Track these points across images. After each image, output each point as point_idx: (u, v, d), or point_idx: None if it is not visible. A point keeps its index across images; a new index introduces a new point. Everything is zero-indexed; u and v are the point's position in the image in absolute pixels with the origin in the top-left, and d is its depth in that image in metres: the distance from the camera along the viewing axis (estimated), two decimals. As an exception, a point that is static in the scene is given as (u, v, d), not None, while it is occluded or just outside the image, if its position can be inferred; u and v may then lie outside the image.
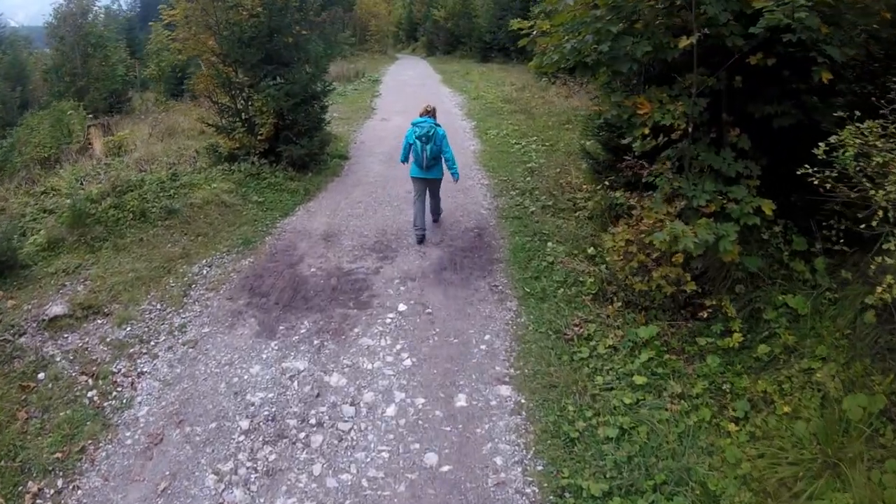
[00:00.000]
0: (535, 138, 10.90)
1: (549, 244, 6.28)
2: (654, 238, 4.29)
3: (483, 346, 4.68)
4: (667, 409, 3.98)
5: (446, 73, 24.09)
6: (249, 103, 8.84)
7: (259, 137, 8.69)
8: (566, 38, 4.78)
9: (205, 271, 6.17)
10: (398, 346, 4.70)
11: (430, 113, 6.35)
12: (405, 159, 6.47)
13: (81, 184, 8.71)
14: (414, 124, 6.21)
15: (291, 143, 8.72)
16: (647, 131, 4.51)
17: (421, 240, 6.43)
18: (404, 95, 17.70)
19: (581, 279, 5.44)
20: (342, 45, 30.49)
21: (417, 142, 6.09)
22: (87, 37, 17.93)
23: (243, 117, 8.97)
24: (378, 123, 13.52)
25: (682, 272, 4.56)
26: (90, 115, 16.65)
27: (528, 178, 8.48)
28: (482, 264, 5.99)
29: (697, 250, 4.21)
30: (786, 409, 3.78)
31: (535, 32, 5.40)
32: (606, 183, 6.88)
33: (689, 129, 4.45)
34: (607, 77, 6.86)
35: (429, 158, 6.13)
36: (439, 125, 6.31)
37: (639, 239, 4.86)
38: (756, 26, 3.90)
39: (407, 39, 45.32)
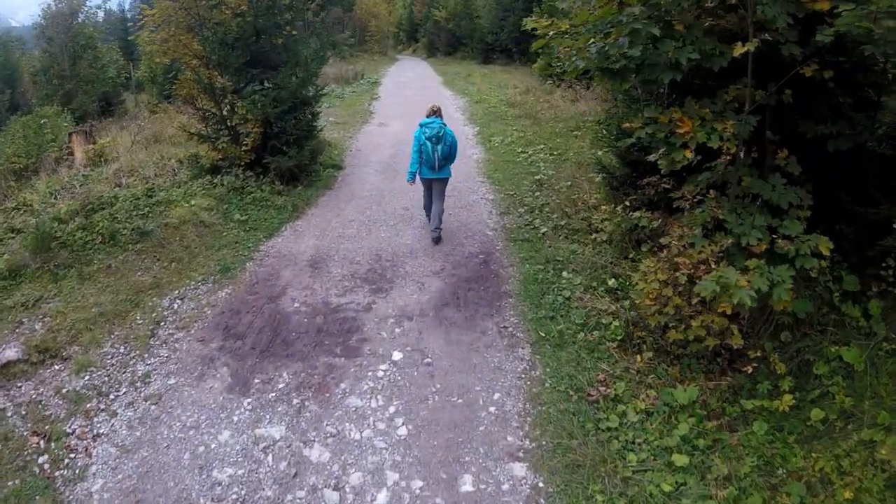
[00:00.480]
0: (542, 146, 10.12)
1: (565, 274, 5.52)
2: (701, 289, 3.52)
3: (492, 409, 3.91)
4: (712, 497, 3.23)
5: (447, 74, 23.29)
6: (233, 110, 8.07)
7: (244, 148, 7.93)
8: (592, 40, 4.01)
9: (176, 305, 5.42)
10: (391, 409, 3.93)
11: (437, 113, 6.18)
12: (415, 170, 6.21)
13: (55, 198, 7.98)
14: (423, 125, 6.06)
15: (279, 154, 7.95)
16: (689, 155, 3.73)
17: (437, 240, 6.39)
18: (404, 98, 16.92)
19: (603, 321, 4.67)
20: (342, 46, 29.72)
21: (428, 143, 5.96)
22: (76, 38, 17.14)
23: (228, 125, 8.20)
24: (376, 129, 12.75)
25: (727, 322, 3.80)
26: (78, 120, 15.93)
27: (537, 193, 7.71)
28: (489, 299, 5.22)
29: (753, 303, 3.45)
30: (846, 494, 3.12)
31: (551, 34, 4.64)
32: (627, 203, 6.12)
33: (741, 153, 3.68)
34: (628, 86, 6.10)
35: (440, 159, 6.00)
36: (446, 125, 6.14)
37: (673, 278, 4.09)
38: (823, 32, 3.15)
39: (407, 40, 44.47)
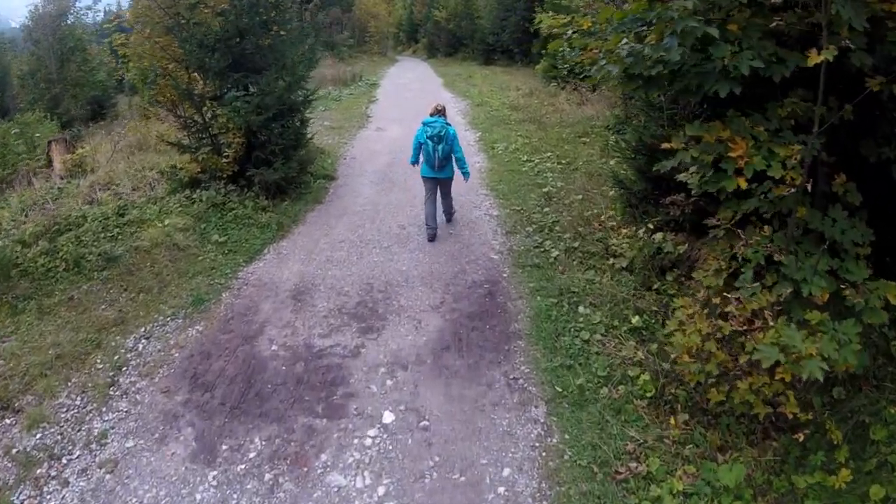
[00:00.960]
0: (548, 154, 9.41)
1: (581, 309, 4.81)
2: (761, 356, 2.82)
3: (501, 490, 3.22)
4: None
5: (448, 76, 22.55)
6: (214, 118, 7.37)
7: (225, 159, 7.23)
8: (625, 40, 3.31)
9: (141, 345, 4.74)
10: (381, 490, 3.24)
11: (441, 112, 6.10)
12: (415, 160, 6.25)
13: (26, 215, 7.30)
14: (425, 124, 5.95)
15: (264, 166, 7.26)
16: (743, 183, 3.03)
17: (432, 238, 6.26)
18: (403, 101, 16.21)
19: (630, 372, 3.97)
20: (340, 47, 28.99)
21: (429, 142, 5.87)
22: (63, 40, 16.43)
23: (209, 134, 7.51)
24: (372, 134, 12.04)
25: (783, 388, 3.10)
26: (65, 125, 15.26)
27: (546, 209, 7.00)
28: (496, 341, 4.52)
29: (821, 374, 2.75)
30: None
31: (570, 33, 3.96)
32: (651, 225, 5.42)
33: (807, 184, 2.98)
34: (658, 94, 5.42)
35: (441, 158, 5.92)
36: (449, 124, 6.02)
37: (715, 327, 3.40)
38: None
39: (407, 41, 43.69)
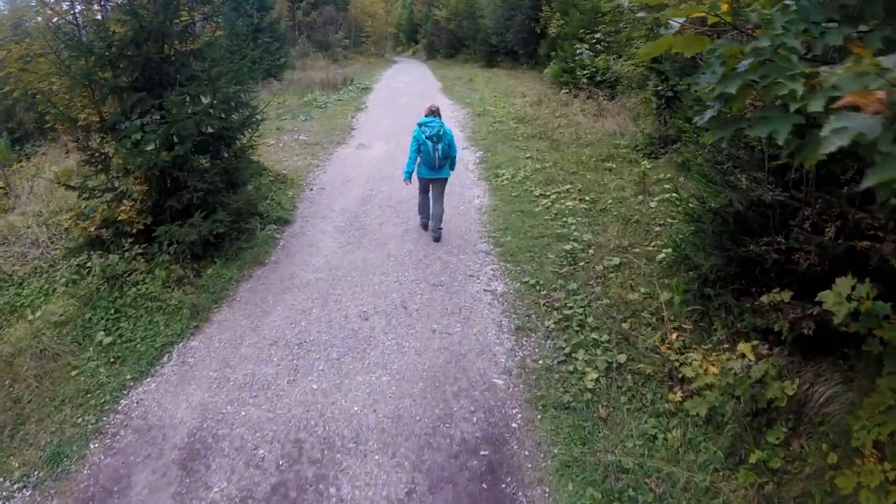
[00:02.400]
0: (567, 187, 7.19)
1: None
2: None
3: None
4: None
5: (447, 79, 20.25)
6: (109, 157, 5.21)
7: (121, 214, 5.07)
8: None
9: None
10: None
11: (435, 113, 5.82)
12: (410, 175, 5.81)
13: None
14: (422, 124, 5.70)
15: (179, 221, 5.09)
16: None
17: (426, 226, 6.14)
18: (395, 109, 13.99)
19: None
20: (334, 48, 26.73)
21: (428, 142, 5.61)
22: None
23: (109, 177, 5.35)
24: (352, 154, 9.83)
25: None
26: (15, 141, 13.14)
27: (573, 284, 4.78)
28: None
29: None
30: None
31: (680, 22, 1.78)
32: (748, 353, 3.23)
33: None
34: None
35: (441, 158, 5.68)
36: (444, 125, 5.76)
37: None
38: None
39: (407, 41, 41.31)
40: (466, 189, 7.56)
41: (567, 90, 13.60)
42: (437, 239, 5.92)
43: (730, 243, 3.85)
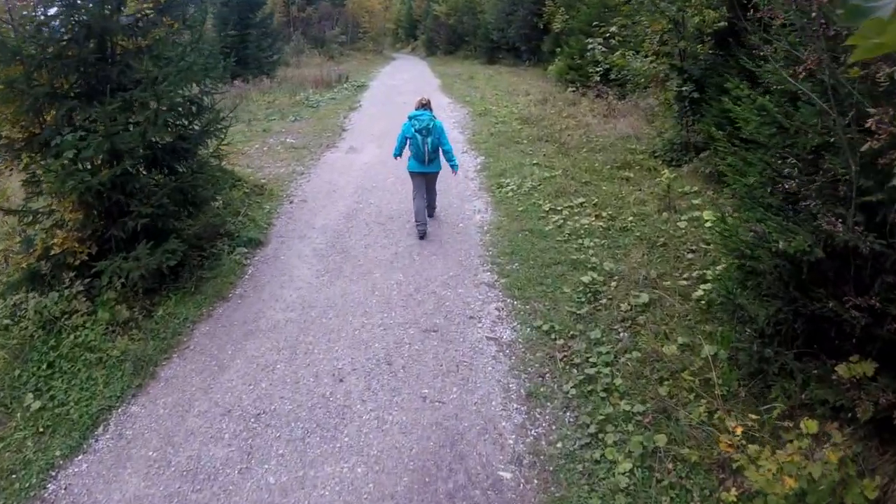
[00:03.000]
0: (581, 200, 6.31)
1: None
2: None
3: None
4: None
5: (446, 76, 19.30)
6: (36, 178, 4.34)
7: (53, 246, 4.21)
8: None
9: None
10: None
11: (426, 105, 5.64)
12: (399, 153, 5.77)
13: None
14: (412, 117, 5.51)
15: (124, 252, 4.22)
16: None
17: (423, 235, 5.70)
18: (390, 109, 13.07)
19: None
20: (330, 45, 25.78)
21: (418, 135, 5.41)
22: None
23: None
24: (341, 159, 8.95)
25: None
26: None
27: (595, 332, 3.91)
28: None
29: None
30: None
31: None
32: (831, 453, 2.37)
33: None
34: None
35: (430, 152, 5.47)
36: (436, 118, 5.56)
37: None
38: None
39: (406, 37, 40.24)
40: (466, 202, 6.69)
41: (574, 88, 12.70)
42: (424, 236, 5.70)
43: (798, 294, 2.99)
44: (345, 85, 17.59)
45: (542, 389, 3.41)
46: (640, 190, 6.63)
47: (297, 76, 18.46)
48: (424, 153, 5.45)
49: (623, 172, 7.26)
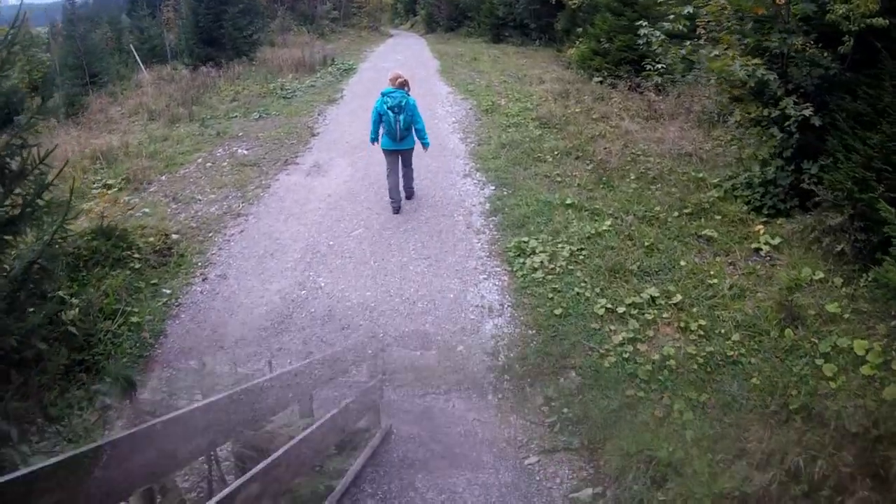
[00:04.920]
0: (651, 291, 3.80)
1: None
2: None
3: None
4: None
5: (447, 57, 16.32)
6: None
7: None
8: None
9: None
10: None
11: (404, 86, 5.29)
12: (375, 137, 5.47)
13: None
14: (384, 94, 5.25)
15: None
16: None
17: (397, 210, 5.56)
18: (375, 101, 10.39)
19: None
20: (320, 21, 22.65)
21: (390, 112, 5.21)
22: None
23: None
24: (297, 184, 6.41)
25: None
26: None
27: None
28: None
29: None
30: None
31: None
32: None
33: None
34: None
35: (402, 129, 5.29)
36: (409, 95, 5.25)
37: None
38: None
39: (406, 13, 36.66)
40: (469, 284, 4.18)
41: (600, 79, 9.97)
42: (398, 210, 5.51)
43: None
44: (329, 69, 14.71)
45: None
46: (734, 265, 4.13)
47: (278, 58, 15.61)
48: (397, 130, 5.29)
49: (697, 224, 4.74)
